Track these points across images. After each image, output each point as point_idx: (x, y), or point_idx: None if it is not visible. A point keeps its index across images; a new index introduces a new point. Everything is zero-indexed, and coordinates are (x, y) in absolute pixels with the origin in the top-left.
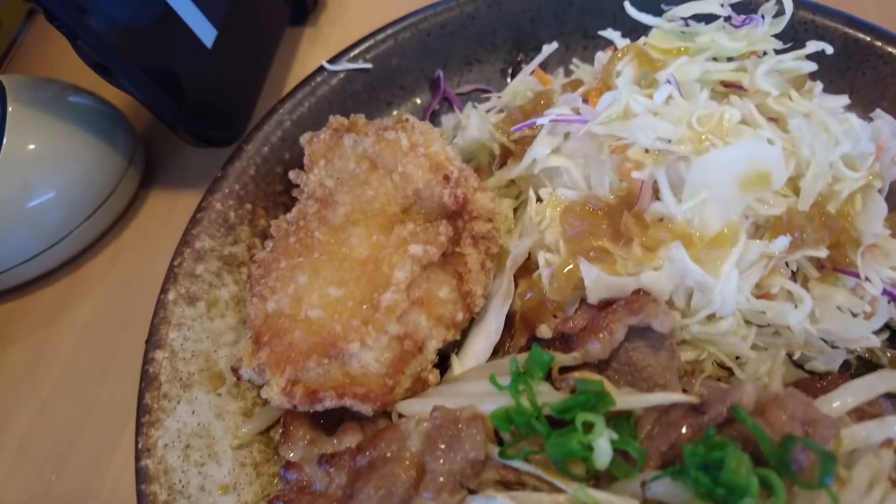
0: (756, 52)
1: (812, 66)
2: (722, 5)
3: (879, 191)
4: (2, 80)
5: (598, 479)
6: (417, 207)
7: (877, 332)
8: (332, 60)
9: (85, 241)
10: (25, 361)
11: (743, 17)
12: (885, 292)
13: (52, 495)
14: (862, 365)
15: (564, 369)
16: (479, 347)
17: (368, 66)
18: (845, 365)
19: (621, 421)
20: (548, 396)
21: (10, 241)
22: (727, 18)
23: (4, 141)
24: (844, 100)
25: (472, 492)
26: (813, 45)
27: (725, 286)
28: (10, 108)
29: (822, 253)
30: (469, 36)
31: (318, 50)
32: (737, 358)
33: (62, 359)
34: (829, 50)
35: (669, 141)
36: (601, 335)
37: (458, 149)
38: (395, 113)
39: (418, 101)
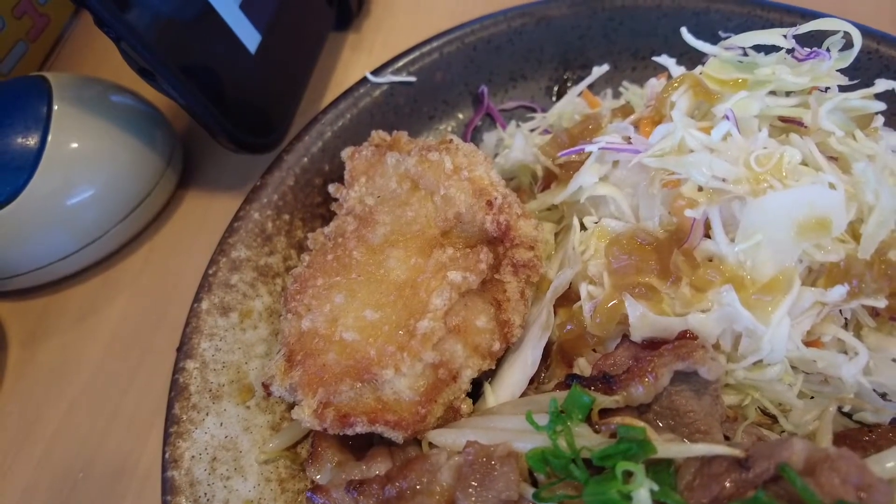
0: (818, 87)
1: (881, 106)
2: (785, 36)
3: None
4: (49, 78)
5: None
6: (458, 231)
7: None
8: (375, 72)
9: (120, 241)
10: (56, 360)
11: (808, 50)
12: None
13: (79, 493)
14: None
15: (605, 411)
16: (514, 379)
17: (412, 79)
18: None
19: (661, 469)
20: (586, 439)
21: (49, 238)
22: (790, 51)
23: (49, 139)
24: None
25: None
26: (883, 84)
27: (776, 334)
28: (55, 107)
29: (881, 303)
30: (515, 51)
31: (360, 57)
32: (780, 404)
33: (92, 359)
34: None
35: (725, 180)
36: (646, 379)
37: (500, 168)
38: (439, 128)
39: (461, 115)
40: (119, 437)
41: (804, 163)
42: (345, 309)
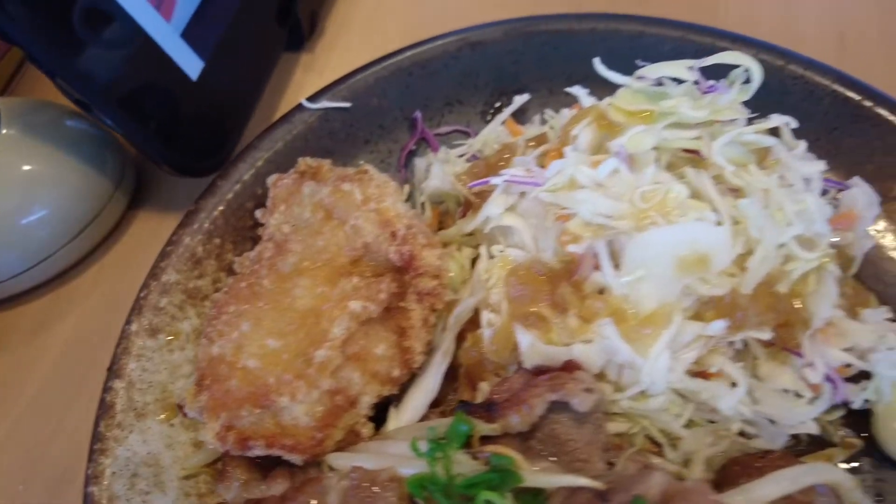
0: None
1: (772, 141)
2: (691, 68)
3: (852, 260)
4: None
5: None
6: (367, 260)
7: (831, 410)
8: (311, 98)
9: (70, 261)
10: (5, 375)
11: (708, 83)
12: (827, 378)
13: None
14: (814, 442)
15: (487, 438)
16: (415, 404)
17: (347, 104)
18: (796, 439)
19: (529, 497)
20: (464, 466)
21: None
22: (696, 82)
23: None
24: (821, 165)
25: None
26: (776, 119)
27: (655, 366)
28: (3, 131)
29: (766, 335)
30: (451, 77)
31: (312, 78)
32: (668, 433)
33: (40, 374)
34: (794, 124)
35: (609, 216)
36: (521, 409)
37: (429, 193)
38: (375, 152)
39: (397, 140)
40: (60, 452)
41: (696, 195)
42: (250, 337)
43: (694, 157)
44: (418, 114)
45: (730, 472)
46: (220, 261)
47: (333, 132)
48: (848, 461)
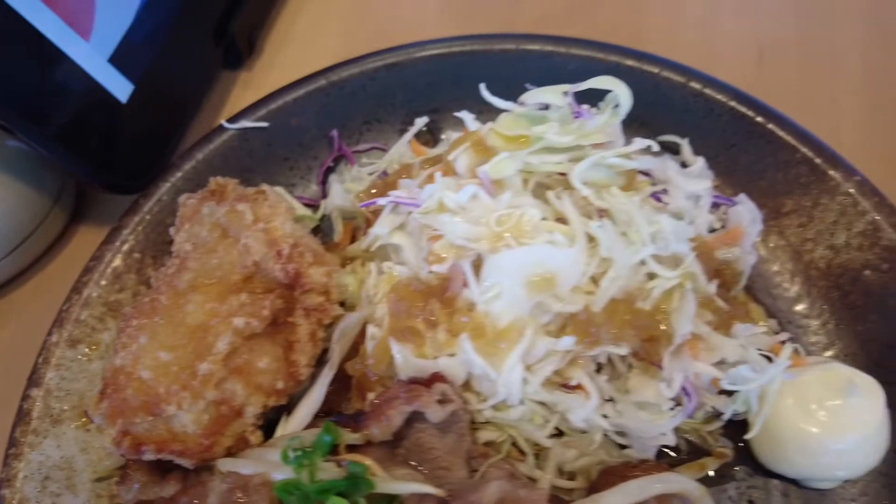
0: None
1: (633, 164)
2: (565, 93)
3: (740, 275)
4: None
5: None
6: (259, 278)
7: (710, 420)
8: (231, 119)
9: (6, 274)
10: None
11: (577, 109)
12: (684, 391)
13: None
14: (694, 451)
15: (353, 447)
16: (301, 413)
17: (265, 124)
18: (676, 450)
19: (384, 502)
20: (328, 473)
21: None
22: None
23: None
24: (708, 182)
25: None
26: (638, 143)
27: (509, 378)
28: None
29: (623, 350)
30: (368, 97)
31: (251, 95)
32: (535, 443)
33: None
34: (655, 147)
35: (470, 239)
36: (381, 420)
37: (333, 210)
38: (294, 169)
39: (316, 157)
40: None
41: (560, 219)
42: (146, 349)
43: (565, 180)
44: (335, 132)
45: (605, 481)
46: (139, 275)
47: (253, 151)
48: (723, 469)
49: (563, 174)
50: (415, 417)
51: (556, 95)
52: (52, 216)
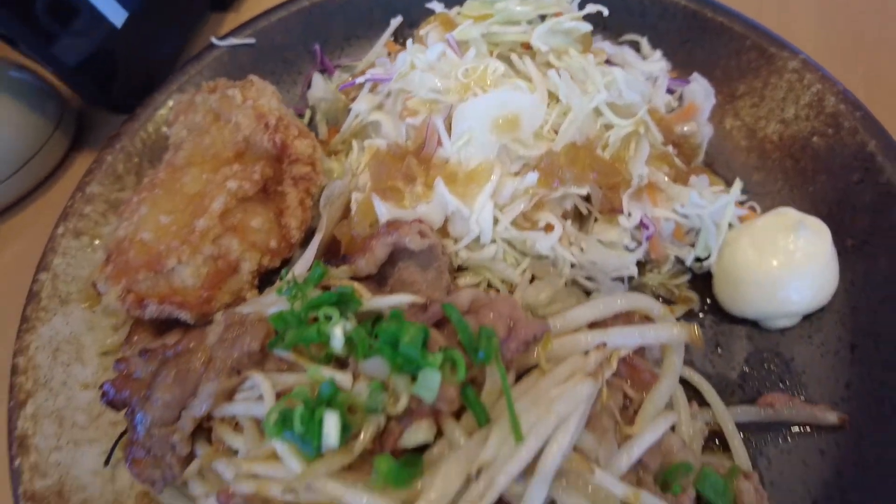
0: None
1: (587, 27)
2: None
3: (699, 148)
4: None
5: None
6: (250, 153)
7: (677, 275)
8: (221, 38)
9: (10, 196)
10: None
11: None
12: (642, 225)
13: None
14: (664, 300)
15: None
16: (296, 273)
17: (252, 41)
18: None
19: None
20: (319, 300)
21: None
22: None
23: None
24: (663, 64)
25: None
26: (590, 7)
27: (481, 216)
28: None
29: (583, 191)
30: (348, 16)
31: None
32: (509, 283)
33: None
34: (605, 12)
35: (439, 91)
36: (366, 254)
37: (320, 110)
38: (281, 81)
39: (300, 72)
40: None
41: (522, 75)
42: (146, 217)
43: (528, 50)
44: (317, 46)
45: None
46: (138, 177)
47: (241, 65)
48: (692, 320)
49: (525, 45)
50: (398, 256)
51: None
52: (52, 140)
